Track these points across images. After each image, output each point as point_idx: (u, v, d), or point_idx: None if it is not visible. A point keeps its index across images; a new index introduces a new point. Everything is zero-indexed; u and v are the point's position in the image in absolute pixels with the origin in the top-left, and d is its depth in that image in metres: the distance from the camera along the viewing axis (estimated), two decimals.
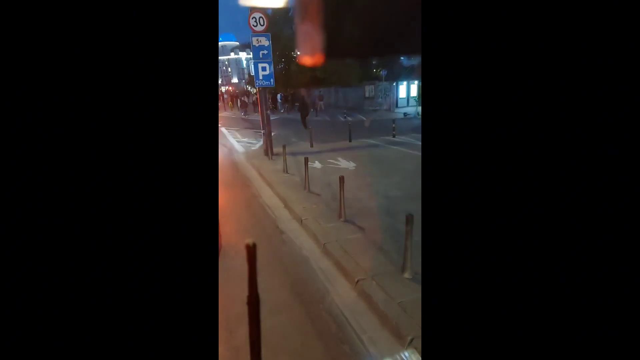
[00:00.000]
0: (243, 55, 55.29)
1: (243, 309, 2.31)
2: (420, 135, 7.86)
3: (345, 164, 6.70)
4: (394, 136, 9.39)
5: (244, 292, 2.42)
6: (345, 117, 15.81)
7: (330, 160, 6.96)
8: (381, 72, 20.08)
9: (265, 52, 7.05)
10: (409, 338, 2.02)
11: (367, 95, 19.28)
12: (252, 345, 0.53)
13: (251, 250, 0.48)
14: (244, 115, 19.76)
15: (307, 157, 5.16)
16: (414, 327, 2.09)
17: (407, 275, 2.63)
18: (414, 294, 2.42)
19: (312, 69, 23.58)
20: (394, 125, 9.73)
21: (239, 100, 24.44)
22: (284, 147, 6.44)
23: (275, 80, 7.59)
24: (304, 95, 15.15)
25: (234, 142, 10.27)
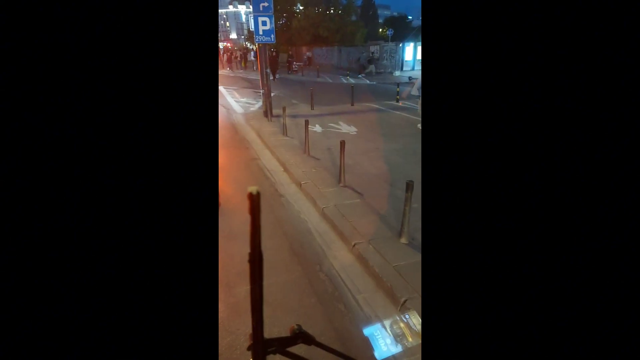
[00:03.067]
0: (242, 9, 52.22)
1: (242, 267, 2.37)
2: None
3: (346, 128, 6.57)
4: (397, 101, 9.15)
5: (242, 250, 2.48)
6: (347, 79, 15.29)
7: (331, 124, 6.82)
8: (387, 31, 19.10)
9: (266, 4, 6.61)
10: (402, 299, 2.09)
11: (372, 55, 18.48)
12: (253, 305, 0.51)
13: (255, 199, 0.43)
14: (231, 72, 19.32)
15: (308, 120, 5.04)
16: (408, 289, 2.16)
17: (403, 240, 2.68)
18: (409, 259, 2.48)
19: (314, 26, 22.43)
20: (398, 89, 9.44)
21: (225, 55, 23.53)
22: (284, 109, 6.27)
23: (276, 37, 7.21)
24: (273, 53, 17.99)
25: (233, 102, 10.00)
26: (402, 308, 2.06)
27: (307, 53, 22.61)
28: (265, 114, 7.51)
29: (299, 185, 3.97)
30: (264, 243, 0.48)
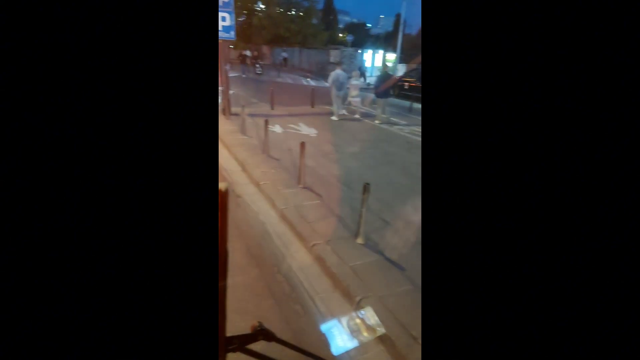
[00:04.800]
0: None
1: None
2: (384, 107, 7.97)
3: (306, 129, 6.60)
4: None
5: None
6: (307, 81, 15.37)
7: (291, 125, 6.81)
8: (347, 37, 19.54)
9: None
10: (358, 298, 2.15)
11: (332, 60, 18.81)
12: (219, 305, 0.55)
13: (223, 196, 0.45)
14: None
15: (267, 120, 4.99)
16: (363, 289, 2.23)
17: (360, 240, 2.76)
18: (365, 258, 2.56)
19: (276, 25, 22.28)
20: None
21: None
22: (243, 107, 6.13)
23: (236, 34, 7.04)
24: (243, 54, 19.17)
25: None
26: (357, 307, 2.12)
27: (283, 53, 22.11)
28: (224, 111, 7.29)
29: (258, 185, 3.91)
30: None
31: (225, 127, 6.41)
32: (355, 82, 8.27)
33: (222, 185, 0.44)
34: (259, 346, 0.58)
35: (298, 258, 2.66)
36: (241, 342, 0.57)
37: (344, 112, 8.12)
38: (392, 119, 8.14)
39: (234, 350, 0.56)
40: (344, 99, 8.01)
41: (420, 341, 1.82)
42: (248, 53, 18.84)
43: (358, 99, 8.29)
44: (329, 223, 3.06)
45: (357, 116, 8.15)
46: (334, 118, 7.71)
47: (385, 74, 7.86)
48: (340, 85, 7.58)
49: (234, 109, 7.29)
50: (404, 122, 7.88)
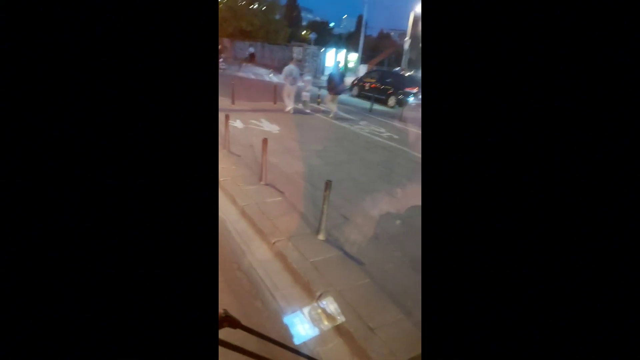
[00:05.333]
0: None
1: None
2: (343, 105, 8.16)
3: (268, 126, 6.53)
4: (318, 104, 9.46)
5: None
6: (270, 77, 15.17)
7: (253, 121, 6.69)
8: (310, 35, 19.57)
9: None
10: (318, 293, 2.20)
11: (294, 56, 18.73)
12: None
13: None
14: None
15: (228, 115, 4.86)
16: (324, 283, 2.28)
17: (321, 237, 2.81)
18: (326, 254, 2.61)
19: (237, 18, 21.66)
20: (319, 93, 9.77)
21: None
22: None
23: None
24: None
25: None
26: (324, 299, 2.16)
27: (250, 48, 21.45)
28: None
29: (218, 182, 3.80)
30: None
31: None
32: (308, 77, 8.73)
33: None
34: (223, 333, 0.59)
35: (259, 255, 2.64)
36: None
37: (297, 105, 8.41)
38: (351, 117, 8.34)
39: None
40: (298, 93, 8.29)
41: (377, 332, 1.91)
42: None
43: (308, 94, 8.78)
44: (291, 220, 3.07)
45: (308, 111, 8.49)
46: (288, 110, 7.94)
47: (338, 73, 8.21)
48: (293, 80, 7.85)
49: None
50: (364, 122, 8.09)
